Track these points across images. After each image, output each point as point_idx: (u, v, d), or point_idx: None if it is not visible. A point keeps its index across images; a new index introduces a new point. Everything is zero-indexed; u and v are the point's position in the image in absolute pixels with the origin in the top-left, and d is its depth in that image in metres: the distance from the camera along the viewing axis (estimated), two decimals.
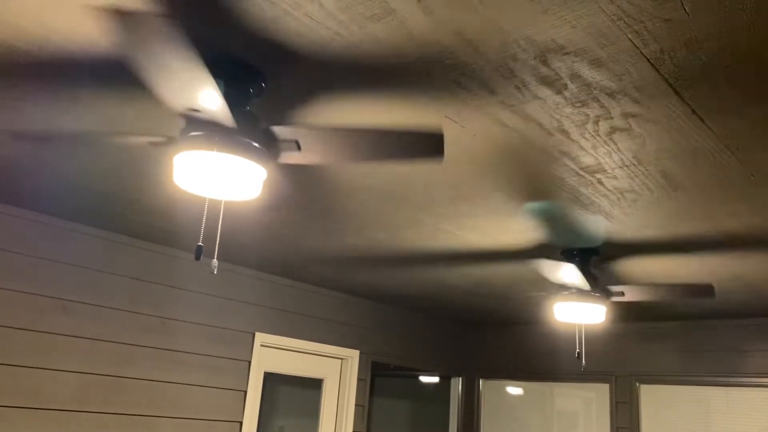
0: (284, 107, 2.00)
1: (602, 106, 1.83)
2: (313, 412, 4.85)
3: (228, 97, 1.75)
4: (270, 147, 1.81)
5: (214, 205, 3.00)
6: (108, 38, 1.67)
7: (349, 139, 1.78)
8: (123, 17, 1.26)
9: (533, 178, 2.39)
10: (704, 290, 3.22)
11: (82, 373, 3.48)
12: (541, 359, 5.69)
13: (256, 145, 1.76)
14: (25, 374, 3.28)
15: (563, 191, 2.50)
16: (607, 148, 2.09)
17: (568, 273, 2.97)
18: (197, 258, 1.75)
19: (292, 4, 1.48)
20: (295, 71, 1.78)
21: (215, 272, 1.80)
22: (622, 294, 3.39)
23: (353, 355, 5.02)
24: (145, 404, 3.71)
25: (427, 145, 1.78)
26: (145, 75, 1.49)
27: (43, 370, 3.34)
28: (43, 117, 2.17)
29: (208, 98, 1.55)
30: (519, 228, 3.01)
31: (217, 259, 4.16)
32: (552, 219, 2.82)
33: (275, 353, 4.55)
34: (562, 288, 3.29)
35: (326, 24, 1.55)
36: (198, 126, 1.73)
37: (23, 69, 1.87)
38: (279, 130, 1.77)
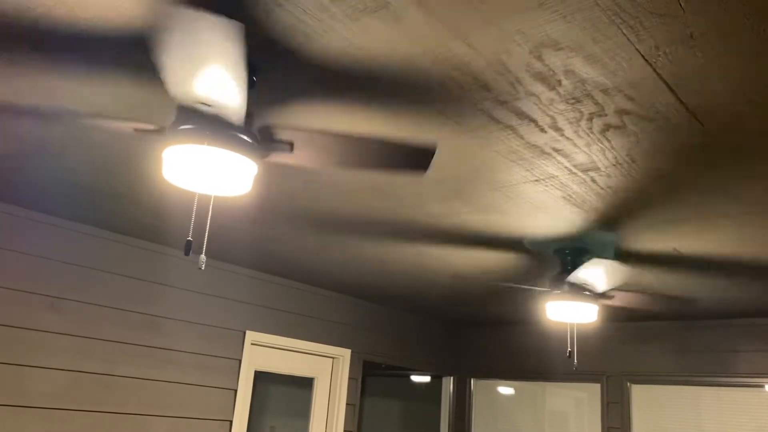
0: (274, 101, 1.98)
1: (596, 103, 1.82)
2: (303, 411, 4.83)
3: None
4: (263, 144, 1.80)
5: (205, 200, 2.98)
6: (133, 15, 1.63)
7: (343, 146, 1.78)
8: (174, 4, 1.25)
9: (527, 176, 2.38)
10: (687, 302, 3.27)
11: (71, 371, 3.44)
12: (532, 359, 5.69)
13: (248, 140, 1.74)
14: (13, 372, 3.24)
15: (555, 188, 2.49)
16: (601, 145, 2.08)
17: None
18: (186, 253, 1.72)
19: None
20: (286, 65, 1.76)
21: (203, 268, 1.77)
22: (612, 297, 3.39)
23: (344, 354, 5.00)
24: (135, 403, 3.68)
25: (417, 159, 1.82)
26: (166, 59, 1.44)
27: (31, 368, 3.30)
28: (22, 89, 2.14)
29: (233, 94, 1.54)
30: (511, 226, 3.00)
31: (209, 256, 4.13)
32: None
33: (266, 352, 4.53)
34: (553, 286, 3.28)
35: (318, 17, 1.53)
36: (189, 119, 1.71)
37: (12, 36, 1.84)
38: (276, 130, 1.76)
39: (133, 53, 1.76)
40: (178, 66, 1.45)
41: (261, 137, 1.79)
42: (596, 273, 2.95)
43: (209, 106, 1.61)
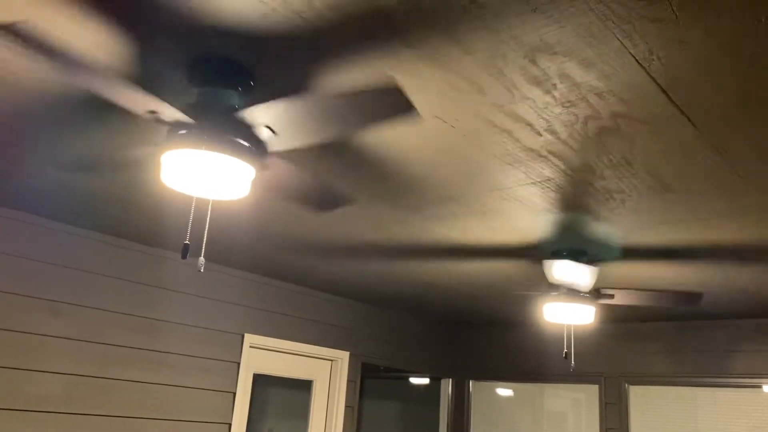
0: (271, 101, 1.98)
1: (591, 107, 1.84)
2: (302, 413, 4.83)
3: (214, 96, 1.75)
4: (254, 140, 1.77)
5: (203, 204, 2.99)
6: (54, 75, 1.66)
7: (314, 107, 1.64)
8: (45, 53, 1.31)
9: (523, 179, 2.40)
10: (692, 298, 3.25)
11: (70, 375, 3.45)
12: (530, 360, 5.70)
13: (243, 143, 1.75)
14: (12, 375, 3.25)
15: (552, 192, 2.50)
16: (596, 148, 2.10)
17: (569, 271, 3.00)
18: (183, 257, 1.73)
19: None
20: (284, 67, 1.77)
21: (202, 270, 1.78)
22: (612, 297, 3.41)
23: (343, 357, 5.01)
24: (134, 406, 3.68)
25: (392, 101, 1.59)
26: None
27: (29, 372, 3.31)
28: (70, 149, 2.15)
29: (151, 102, 1.56)
30: (508, 228, 3.01)
31: (207, 259, 4.14)
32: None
33: (264, 354, 4.53)
34: (551, 288, 3.29)
35: (315, 23, 1.54)
36: (185, 125, 1.72)
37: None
38: (247, 115, 1.69)
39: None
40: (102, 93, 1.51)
41: (246, 131, 1.74)
42: (571, 273, 2.97)
43: (155, 113, 1.64)
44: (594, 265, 3.16)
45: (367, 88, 1.58)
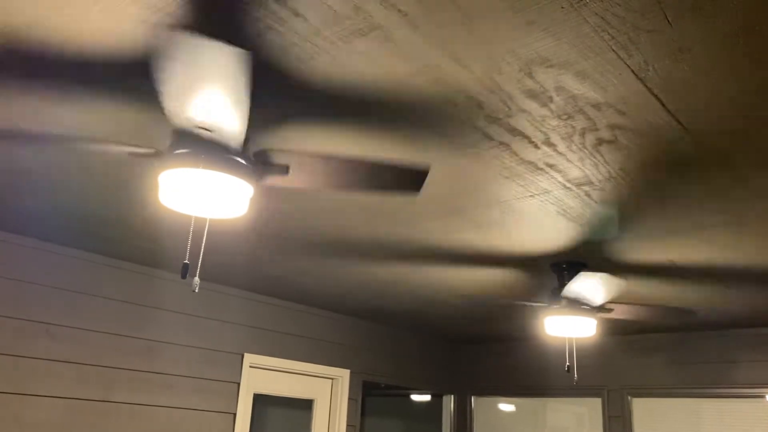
0: (268, 123, 1.99)
1: (588, 118, 1.84)
2: None
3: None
4: (259, 167, 1.81)
5: (201, 223, 2.98)
6: (132, 41, 1.65)
7: (337, 168, 1.80)
8: (175, 30, 1.27)
9: (522, 192, 2.39)
10: (685, 314, 3.27)
11: (68, 399, 3.41)
12: (532, 375, 5.67)
13: (244, 163, 1.75)
14: (9, 400, 3.21)
15: (550, 204, 2.50)
16: (594, 160, 2.10)
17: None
18: (183, 276, 1.72)
19: (275, 19, 1.48)
20: (280, 87, 1.77)
21: (196, 290, 1.77)
22: (611, 310, 3.39)
23: (344, 375, 4.98)
24: (133, 429, 3.64)
25: (410, 180, 1.86)
26: (167, 85, 1.45)
27: (27, 396, 3.27)
28: (19, 115, 2.14)
29: (234, 120, 1.55)
30: (507, 241, 3.00)
31: (205, 279, 4.12)
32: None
33: (265, 374, 4.50)
34: (552, 301, 3.28)
35: (312, 40, 1.55)
36: (186, 143, 1.71)
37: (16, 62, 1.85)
38: (271, 153, 1.77)
39: (129, 78, 1.77)
40: (178, 91, 1.46)
41: (257, 161, 1.80)
42: (590, 286, 2.95)
43: (209, 131, 1.62)
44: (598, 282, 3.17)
45: (401, 165, 1.79)
